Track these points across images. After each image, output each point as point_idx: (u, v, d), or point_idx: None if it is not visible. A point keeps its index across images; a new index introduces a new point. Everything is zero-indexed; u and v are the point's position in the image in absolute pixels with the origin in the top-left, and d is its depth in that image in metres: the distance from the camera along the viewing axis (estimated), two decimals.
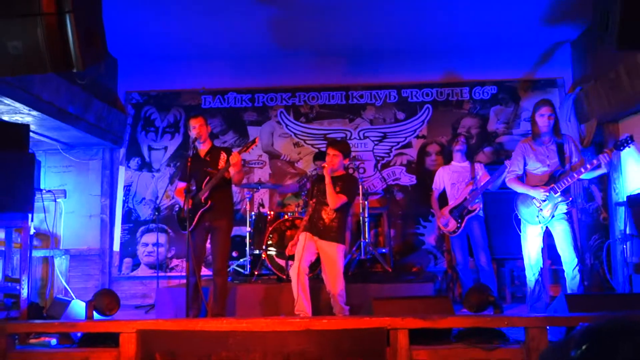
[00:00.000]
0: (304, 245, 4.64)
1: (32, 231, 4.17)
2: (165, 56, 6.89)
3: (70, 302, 4.49)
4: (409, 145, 6.89)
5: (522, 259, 4.67)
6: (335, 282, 4.56)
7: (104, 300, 3.76)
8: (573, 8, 5.68)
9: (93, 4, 3.53)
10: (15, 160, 4.06)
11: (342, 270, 4.69)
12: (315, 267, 4.92)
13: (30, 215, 4.14)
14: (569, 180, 4.27)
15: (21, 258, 4.17)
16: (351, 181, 4.87)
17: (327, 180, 4.60)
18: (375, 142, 6.92)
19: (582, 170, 4.23)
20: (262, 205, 6.19)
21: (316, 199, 4.75)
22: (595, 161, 4.16)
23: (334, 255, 4.61)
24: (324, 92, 7.02)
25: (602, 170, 4.24)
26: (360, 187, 5.85)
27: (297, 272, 4.58)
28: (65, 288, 5.57)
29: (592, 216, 6.49)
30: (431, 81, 6.95)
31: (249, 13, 5.72)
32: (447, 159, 5.75)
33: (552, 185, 4.34)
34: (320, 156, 6.04)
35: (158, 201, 6.81)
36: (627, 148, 4.15)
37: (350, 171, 5.99)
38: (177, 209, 4.76)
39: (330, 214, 4.66)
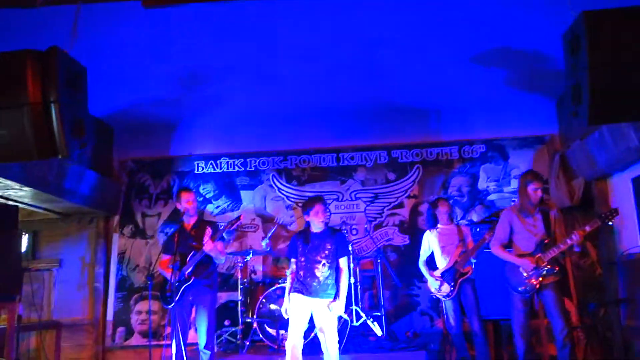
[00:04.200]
0: (298, 312, 4.58)
1: (18, 313, 4.17)
2: (158, 124, 7.03)
3: None
4: (400, 205, 6.92)
5: None
6: (333, 339, 4.54)
7: None
8: (556, 69, 5.79)
9: (78, 94, 3.64)
10: (4, 242, 4.09)
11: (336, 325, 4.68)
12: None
13: (18, 297, 4.14)
14: (555, 251, 4.33)
15: (8, 341, 4.16)
16: (342, 239, 4.82)
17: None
18: (367, 203, 6.96)
19: (568, 241, 4.30)
20: (254, 272, 6.18)
21: (305, 257, 4.68)
22: (581, 232, 4.25)
23: (332, 311, 4.58)
24: (315, 155, 7.11)
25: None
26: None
27: (293, 345, 4.52)
28: None
29: (587, 272, 6.42)
30: (420, 142, 7.03)
31: (233, 81, 5.88)
32: (432, 223, 5.62)
33: (539, 255, 4.37)
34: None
35: (152, 268, 6.80)
36: (612, 221, 4.18)
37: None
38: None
39: (324, 273, 4.61)
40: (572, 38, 3.48)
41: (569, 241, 4.26)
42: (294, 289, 4.70)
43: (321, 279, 4.61)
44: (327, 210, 4.85)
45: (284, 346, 5.25)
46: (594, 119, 3.37)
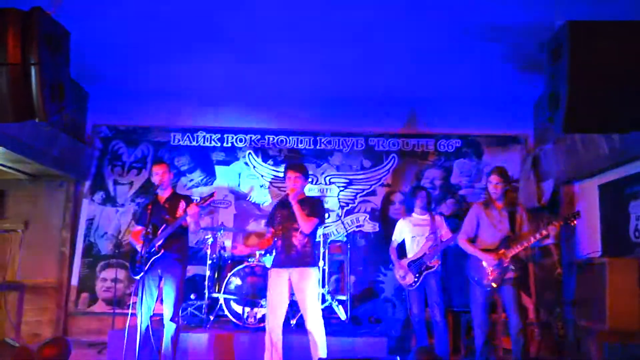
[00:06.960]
0: (279, 290, 4.50)
1: None
2: (136, 92, 6.93)
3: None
4: (373, 193, 7.01)
5: None
6: (314, 310, 4.50)
7: (53, 352, 3.70)
8: (536, 70, 5.89)
9: (59, 57, 3.57)
10: None
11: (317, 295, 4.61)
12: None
13: None
14: (519, 247, 4.45)
15: None
16: (317, 202, 4.81)
17: (295, 206, 4.48)
18: (341, 189, 7.02)
19: (532, 239, 4.42)
20: (223, 249, 6.20)
21: (282, 225, 4.63)
22: (544, 232, 4.37)
23: (311, 281, 4.52)
24: (293, 136, 7.12)
25: (550, 240, 4.40)
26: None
27: (274, 326, 4.45)
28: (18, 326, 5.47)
29: (548, 271, 6.62)
30: (398, 132, 7.10)
31: (217, 57, 5.83)
32: (408, 211, 5.74)
33: (503, 251, 4.50)
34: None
35: (120, 236, 6.78)
36: (574, 222, 4.33)
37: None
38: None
39: (301, 239, 4.54)
40: (555, 46, 3.54)
41: (532, 239, 4.41)
42: (272, 264, 4.63)
43: (299, 246, 4.53)
44: (304, 176, 4.70)
45: (249, 324, 5.35)
46: (568, 127, 3.46)
